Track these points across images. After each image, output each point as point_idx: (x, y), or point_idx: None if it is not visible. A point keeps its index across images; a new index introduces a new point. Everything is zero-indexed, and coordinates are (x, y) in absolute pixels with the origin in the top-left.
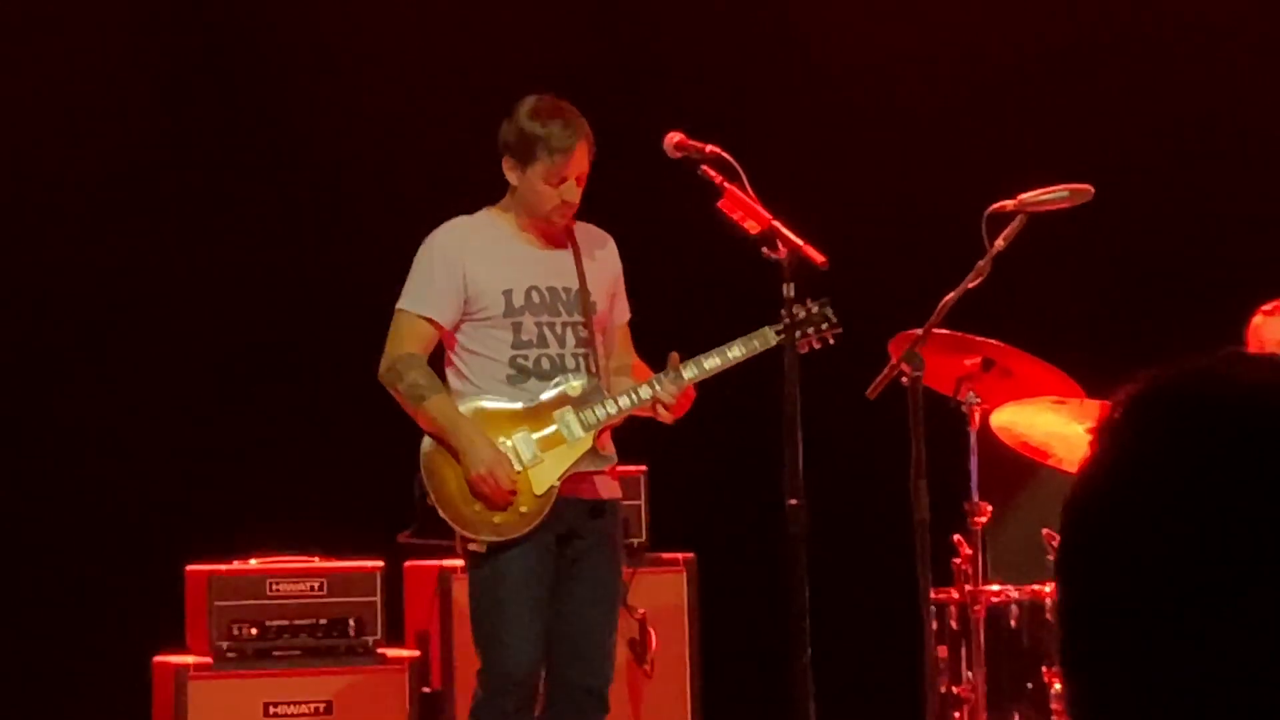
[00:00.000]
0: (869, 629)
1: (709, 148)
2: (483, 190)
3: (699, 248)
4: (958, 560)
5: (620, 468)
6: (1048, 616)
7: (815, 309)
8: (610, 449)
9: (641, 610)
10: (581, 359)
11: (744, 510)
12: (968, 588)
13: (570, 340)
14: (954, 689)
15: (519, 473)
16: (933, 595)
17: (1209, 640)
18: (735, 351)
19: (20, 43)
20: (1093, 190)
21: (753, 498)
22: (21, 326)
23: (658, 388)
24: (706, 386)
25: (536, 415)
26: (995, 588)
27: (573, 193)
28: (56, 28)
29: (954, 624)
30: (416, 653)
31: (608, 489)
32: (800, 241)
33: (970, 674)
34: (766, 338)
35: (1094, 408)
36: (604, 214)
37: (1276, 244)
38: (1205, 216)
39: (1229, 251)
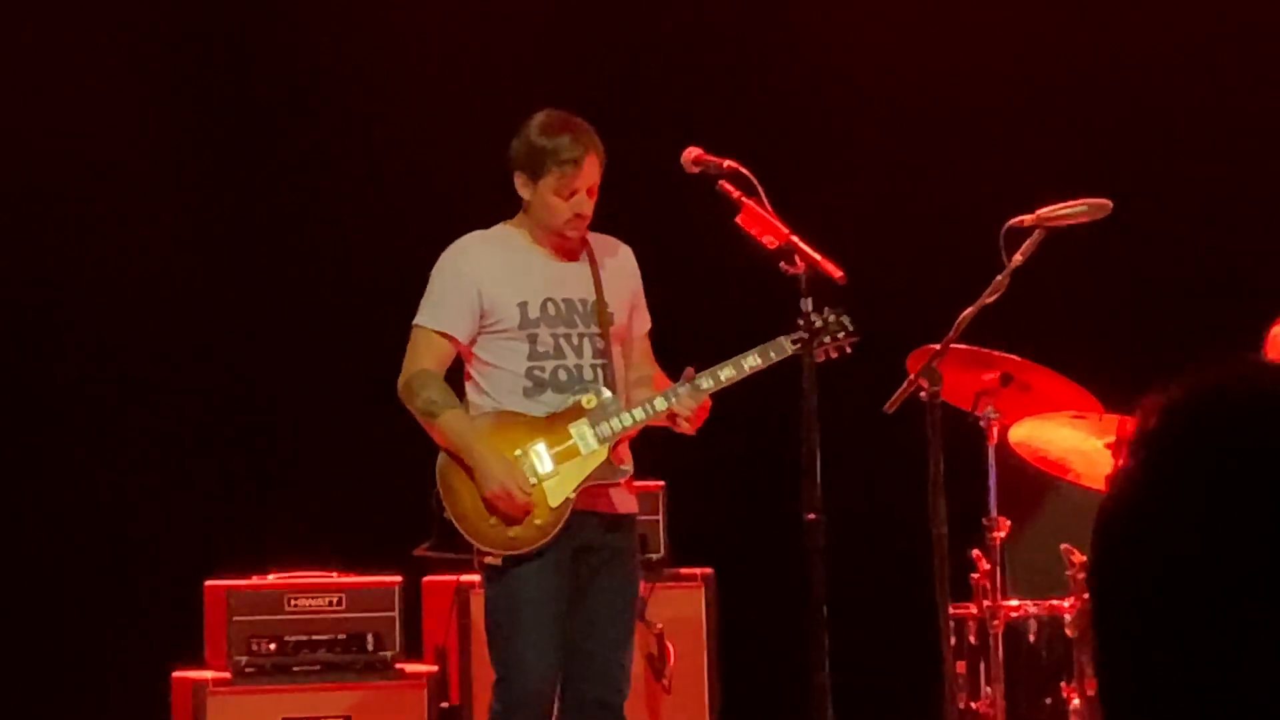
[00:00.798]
0: (887, 644)
1: (727, 163)
2: (498, 206)
3: (717, 263)
4: (976, 575)
5: (638, 482)
6: (1066, 632)
7: (832, 318)
8: (627, 461)
9: (659, 625)
10: (599, 370)
11: (762, 525)
12: (986, 603)
13: (587, 351)
14: (972, 704)
15: (534, 485)
16: (951, 610)
17: (1245, 644)
18: (751, 361)
19: (38, 42)
20: (1111, 205)
21: (771, 512)
22: (41, 343)
23: (674, 399)
24: (724, 401)
25: (552, 427)
26: (1014, 603)
27: (584, 205)
28: (77, 32)
29: (972, 639)
30: (435, 667)
31: (624, 503)
32: (818, 256)
33: (989, 689)
34: (782, 347)
35: (1112, 422)
36: (623, 228)
37: None
38: (1223, 231)
39: (1246, 266)
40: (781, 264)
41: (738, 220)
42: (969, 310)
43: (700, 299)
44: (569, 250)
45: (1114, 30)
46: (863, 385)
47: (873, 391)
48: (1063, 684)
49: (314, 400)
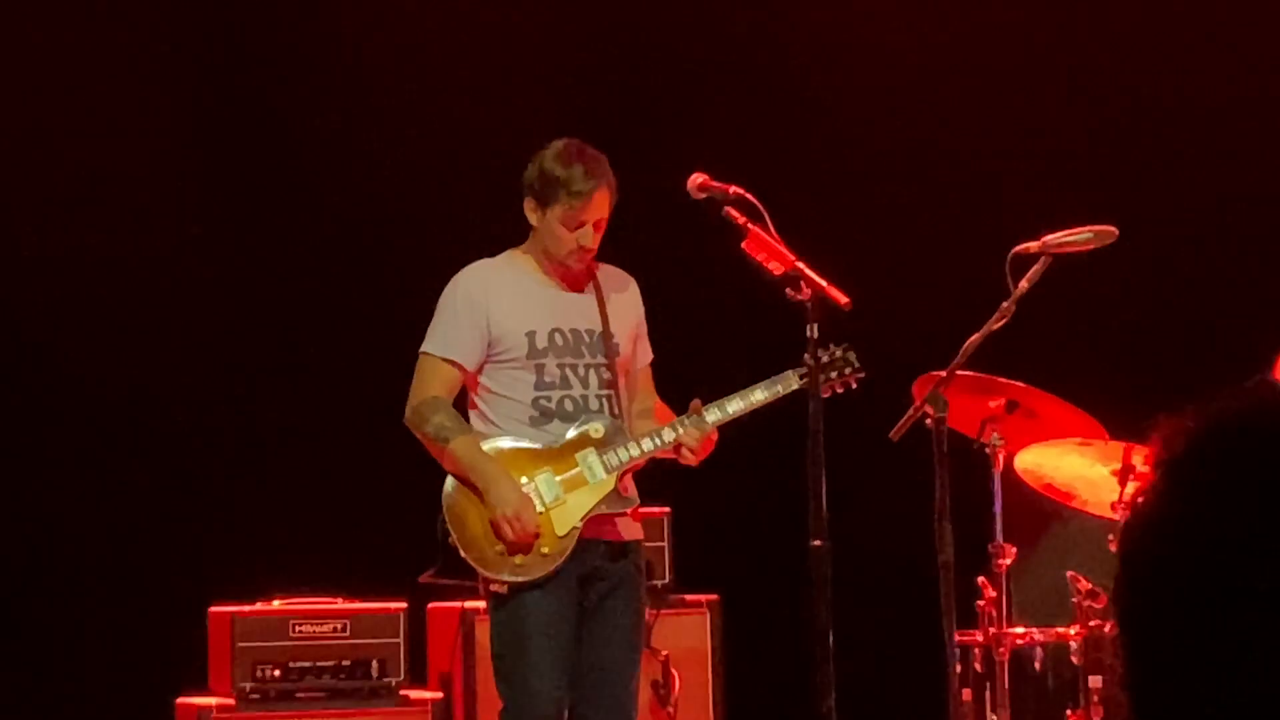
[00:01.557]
0: (893, 671)
1: (732, 189)
2: (507, 233)
3: (723, 289)
4: (982, 603)
5: (644, 509)
6: (1072, 659)
7: (839, 353)
8: (633, 491)
9: (665, 652)
10: (605, 400)
11: (768, 552)
12: (992, 630)
13: (593, 382)
14: None
15: (541, 513)
16: (957, 638)
17: (1272, 663)
18: (758, 395)
19: (44, 43)
20: (1117, 232)
21: (777, 539)
22: (45, 364)
23: (680, 430)
24: (730, 428)
25: (559, 456)
26: (1020, 630)
27: (589, 238)
28: (81, 34)
29: (978, 666)
30: (439, 694)
31: (629, 530)
32: (824, 283)
33: (994, 717)
34: (789, 381)
35: (1118, 449)
36: (628, 255)
37: None
38: (1228, 258)
39: (1251, 293)
40: (787, 290)
41: (743, 246)
42: (975, 337)
43: (705, 324)
44: (576, 280)
45: (1121, 58)
46: (869, 412)
47: (878, 418)
48: (1068, 711)
49: (320, 426)
